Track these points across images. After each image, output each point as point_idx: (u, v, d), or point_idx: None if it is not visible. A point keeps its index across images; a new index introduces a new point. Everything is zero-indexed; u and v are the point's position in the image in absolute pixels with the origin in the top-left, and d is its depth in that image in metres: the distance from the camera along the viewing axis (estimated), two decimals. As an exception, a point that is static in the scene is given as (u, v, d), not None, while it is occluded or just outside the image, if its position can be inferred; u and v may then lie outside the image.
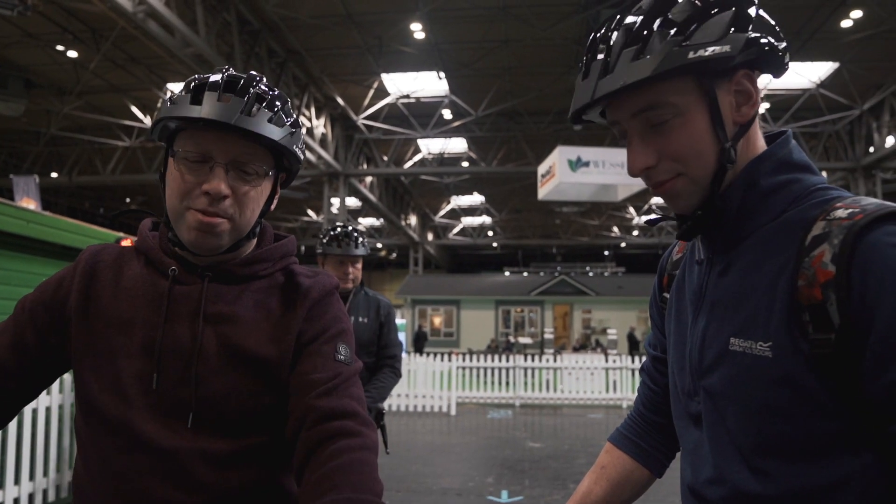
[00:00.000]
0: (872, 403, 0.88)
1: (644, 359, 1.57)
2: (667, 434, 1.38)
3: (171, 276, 1.24)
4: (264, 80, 1.26)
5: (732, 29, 0.96)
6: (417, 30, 15.64)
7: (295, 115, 1.28)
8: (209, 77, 1.21)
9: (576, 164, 18.31)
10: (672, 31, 0.95)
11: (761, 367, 0.95)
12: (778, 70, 1.03)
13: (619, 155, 18.76)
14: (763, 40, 0.98)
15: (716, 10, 0.97)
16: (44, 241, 6.05)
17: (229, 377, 1.20)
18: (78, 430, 1.25)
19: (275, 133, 1.20)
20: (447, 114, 20.96)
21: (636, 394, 1.43)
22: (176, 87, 18.73)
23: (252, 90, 1.20)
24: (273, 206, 1.34)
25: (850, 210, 0.92)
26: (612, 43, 0.99)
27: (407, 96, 19.72)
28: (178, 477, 1.16)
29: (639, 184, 18.90)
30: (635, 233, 39.72)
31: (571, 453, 8.63)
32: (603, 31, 1.03)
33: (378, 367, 3.46)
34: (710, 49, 0.94)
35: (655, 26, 0.96)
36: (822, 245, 0.91)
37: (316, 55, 17.36)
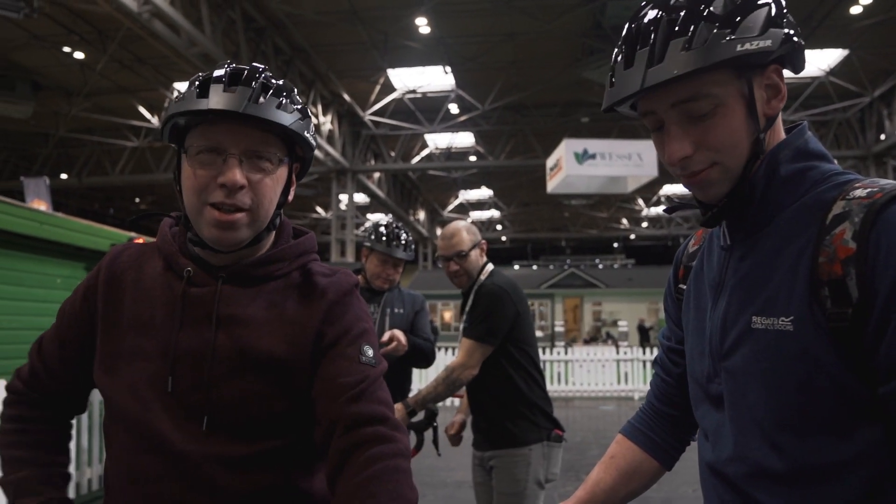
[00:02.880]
0: (875, 369, 0.92)
1: (653, 350, 1.58)
2: (678, 426, 1.40)
3: (185, 277, 1.23)
4: (268, 70, 1.26)
5: (771, 24, 0.99)
6: (423, 24, 15.61)
7: (302, 104, 1.27)
8: (213, 72, 1.21)
9: (582, 157, 18.27)
10: (717, 24, 0.98)
11: (783, 341, 0.98)
12: (799, 67, 1.07)
13: (626, 147, 18.71)
14: (795, 37, 1.02)
15: (755, 6, 1.00)
16: (56, 242, 6.09)
17: (242, 381, 1.19)
18: (105, 429, 1.26)
19: (284, 119, 1.19)
20: (454, 108, 20.93)
21: (648, 385, 1.44)
22: (183, 87, 18.70)
23: (258, 79, 1.20)
24: (290, 198, 1.32)
25: (869, 189, 0.96)
26: (656, 34, 1.00)
27: (413, 91, 19.70)
28: (193, 480, 1.16)
29: (647, 175, 18.87)
30: (644, 224, 39.59)
31: (583, 445, 8.64)
32: (642, 21, 1.04)
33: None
34: (755, 43, 0.97)
35: (701, 19, 0.98)
36: (843, 223, 0.95)
37: (321, 52, 17.36)
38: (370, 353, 1.26)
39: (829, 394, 0.95)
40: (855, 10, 14.83)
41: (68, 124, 21.05)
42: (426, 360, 3.42)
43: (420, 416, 3.01)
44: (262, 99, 1.17)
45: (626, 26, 1.06)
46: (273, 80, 1.23)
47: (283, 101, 1.21)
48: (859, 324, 0.92)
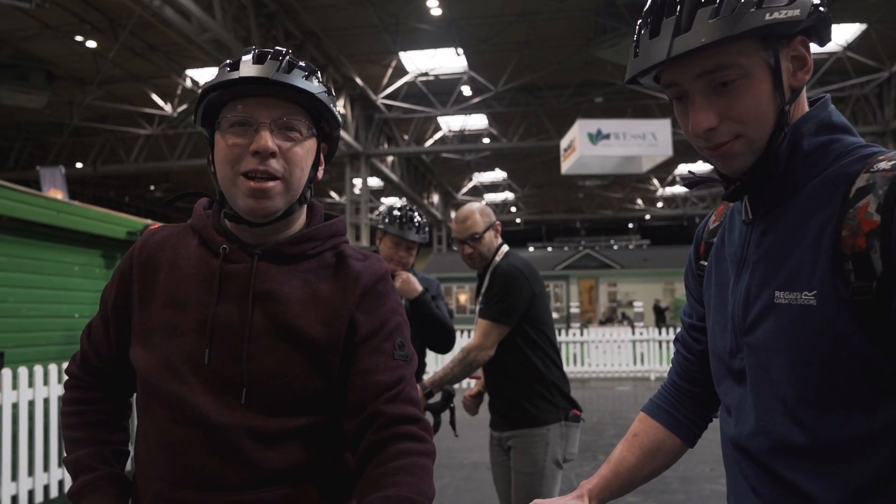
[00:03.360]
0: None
1: (676, 330, 1.58)
2: (700, 404, 1.39)
3: (222, 254, 1.27)
4: (290, 52, 1.31)
5: None
6: (434, 6, 15.51)
7: (325, 84, 1.32)
8: (241, 55, 1.27)
9: (596, 137, 18.16)
10: None
11: (806, 315, 0.98)
12: (826, 39, 1.05)
13: (640, 126, 18.56)
14: (821, 8, 1.00)
15: None
16: (74, 231, 6.15)
17: (279, 356, 1.23)
18: (137, 404, 1.30)
19: (312, 88, 1.25)
20: (466, 90, 20.84)
21: (664, 365, 1.44)
22: (195, 73, 18.97)
23: (285, 56, 1.26)
24: (320, 175, 1.37)
25: (894, 162, 0.95)
26: (683, 3, 0.99)
27: (425, 74, 19.62)
28: (227, 452, 1.18)
29: (662, 154, 18.73)
30: (659, 205, 39.39)
31: (600, 426, 8.65)
32: None
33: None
34: (784, 12, 0.96)
35: None
36: (867, 196, 0.94)
37: (333, 36, 17.32)
38: (403, 346, 1.32)
39: (853, 368, 0.95)
40: (873, -18, 14.58)
41: (82, 113, 21.18)
42: (446, 339, 3.39)
43: (437, 397, 3.02)
44: (289, 71, 1.24)
45: None
46: (298, 60, 1.29)
47: (309, 75, 1.27)
48: (884, 297, 0.91)
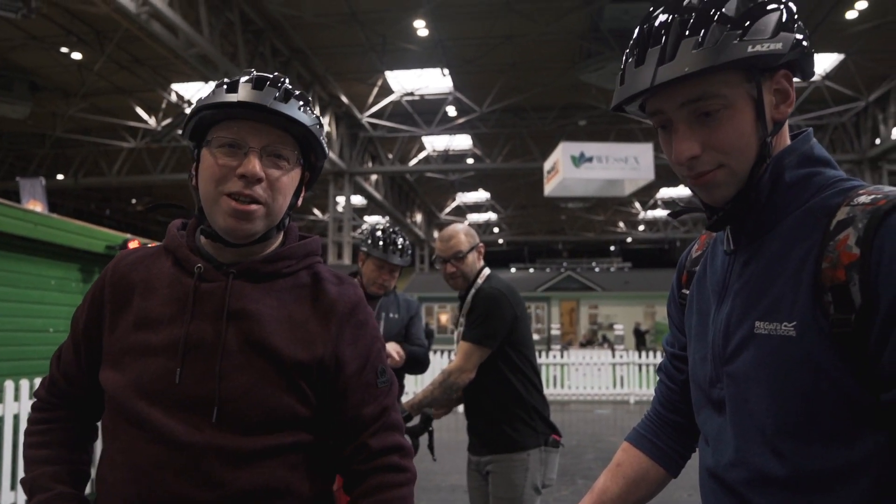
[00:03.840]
0: (878, 378, 0.92)
1: (656, 353, 1.58)
2: (683, 433, 1.39)
3: (196, 273, 1.27)
4: (287, 80, 1.32)
5: (782, 29, 1.00)
6: (421, 27, 15.63)
7: (318, 116, 1.34)
8: (240, 77, 1.28)
9: (579, 160, 18.29)
10: (728, 26, 0.98)
11: (786, 346, 0.98)
12: (809, 73, 1.07)
13: (623, 150, 18.73)
14: (805, 43, 1.02)
15: (766, 10, 1.00)
16: (52, 244, 6.06)
17: (252, 373, 1.23)
18: (104, 426, 1.28)
19: (306, 120, 1.26)
20: (451, 111, 20.95)
21: (644, 388, 1.45)
22: (180, 87, 18.91)
23: (283, 83, 1.28)
24: (300, 203, 1.38)
25: (874, 196, 0.96)
26: (668, 33, 1.01)
27: (411, 94, 19.72)
28: (194, 472, 1.17)
29: (643, 178, 18.89)
30: (641, 228, 39.66)
31: (579, 449, 8.63)
32: (653, 23, 1.04)
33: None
34: (767, 45, 0.98)
35: (713, 20, 0.99)
36: (846, 229, 0.95)
37: (320, 54, 17.37)
38: (383, 371, 1.37)
39: (832, 400, 0.95)
40: (850, 14, 14.89)
41: (65, 125, 21.04)
42: (421, 367, 3.45)
43: (416, 420, 3.00)
44: (286, 100, 1.25)
45: (638, 28, 1.07)
46: (295, 89, 1.30)
47: (304, 105, 1.29)
48: (862, 330, 0.92)
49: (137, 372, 1.22)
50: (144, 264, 1.33)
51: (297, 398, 1.25)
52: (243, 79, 1.26)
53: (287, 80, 1.30)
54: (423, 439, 3.09)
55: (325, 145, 1.34)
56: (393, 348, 3.21)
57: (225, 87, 1.25)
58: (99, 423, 1.39)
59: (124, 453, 1.20)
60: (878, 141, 19.77)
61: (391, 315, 3.46)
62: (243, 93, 1.22)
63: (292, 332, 1.27)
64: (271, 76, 1.28)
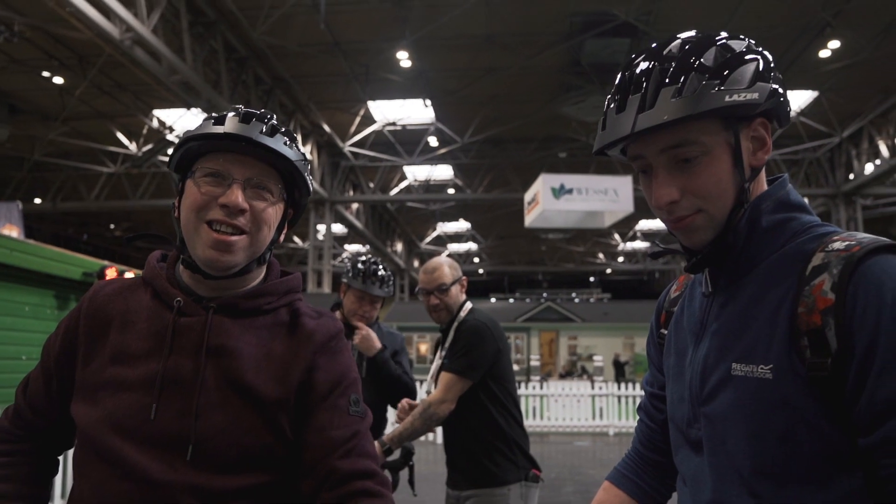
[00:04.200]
0: (855, 422, 0.93)
1: (636, 384, 1.58)
2: (664, 472, 1.40)
3: (176, 307, 1.25)
4: (275, 117, 1.33)
5: (758, 79, 1.03)
6: (404, 58, 15.79)
7: (304, 152, 1.35)
8: (228, 111, 1.29)
9: (559, 192, 18.44)
10: (706, 75, 1.01)
11: (762, 389, 1.00)
12: (784, 122, 1.10)
13: (602, 182, 18.92)
14: (780, 92, 1.05)
15: (744, 60, 1.03)
16: (27, 270, 5.99)
17: (229, 411, 1.20)
18: (75, 461, 1.25)
19: (291, 155, 1.27)
20: (433, 141, 21.09)
21: (623, 420, 1.45)
22: (162, 114, 18.91)
23: (270, 119, 1.29)
24: (282, 238, 1.37)
25: (847, 243, 0.99)
26: (648, 81, 1.04)
27: (393, 124, 19.84)
28: None
29: (623, 210, 19.08)
30: (620, 259, 39.91)
31: (558, 481, 8.57)
32: (634, 70, 1.07)
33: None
34: (744, 95, 1.01)
35: (692, 70, 1.02)
36: (822, 275, 0.97)
37: (303, 82, 17.46)
38: (357, 402, 1.31)
39: (809, 443, 0.96)
40: (824, 53, 15.27)
41: (45, 148, 20.87)
42: (405, 395, 3.38)
43: (396, 454, 2.97)
44: (272, 135, 1.26)
45: (620, 74, 1.10)
46: (282, 126, 1.31)
47: (289, 142, 1.29)
48: (839, 374, 0.94)
49: (112, 407, 1.19)
50: (122, 296, 1.30)
51: (275, 437, 1.23)
52: (231, 113, 1.27)
53: (274, 117, 1.30)
54: (404, 474, 3.04)
55: (309, 182, 1.34)
56: (371, 334, 3.21)
57: (212, 120, 1.26)
58: (61, 457, 1.36)
59: (95, 490, 1.18)
60: (851, 176, 20.16)
61: None
62: (230, 125, 1.23)
63: (270, 370, 1.25)
64: (259, 112, 1.29)
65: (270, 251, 1.35)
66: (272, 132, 1.26)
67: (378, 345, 3.19)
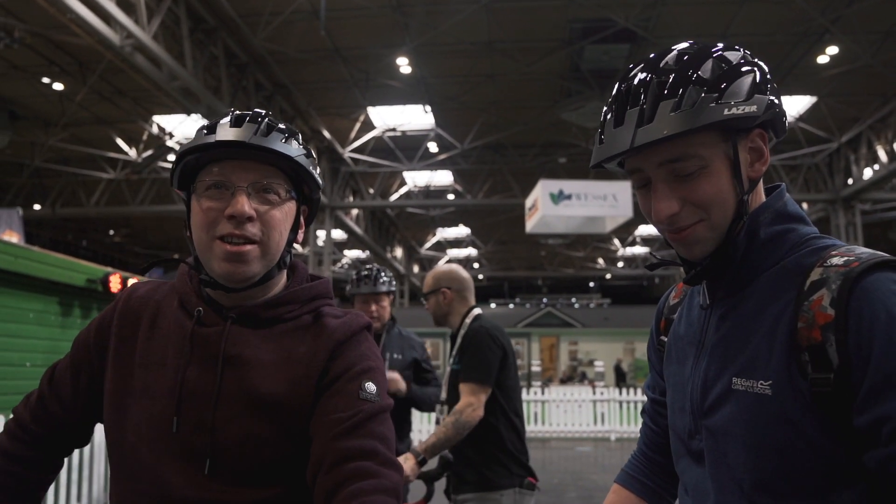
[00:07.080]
0: (859, 437, 0.94)
1: (636, 389, 1.60)
2: (670, 473, 1.40)
3: (196, 316, 1.23)
4: (270, 115, 1.29)
5: (756, 91, 1.03)
6: (404, 64, 15.80)
7: (305, 146, 1.30)
8: (219, 119, 1.25)
9: (558, 198, 18.42)
10: (705, 88, 1.01)
11: (762, 404, 1.00)
12: (781, 132, 1.11)
13: (602, 188, 18.90)
14: (777, 103, 1.06)
15: (741, 73, 1.03)
16: (31, 277, 5.99)
17: (247, 423, 1.18)
18: (111, 467, 1.25)
19: (290, 151, 1.23)
20: (433, 147, 21.09)
21: (625, 425, 1.47)
22: (162, 120, 18.89)
23: (263, 119, 1.24)
24: (300, 238, 1.34)
25: (846, 258, 0.99)
26: (646, 94, 1.03)
27: (393, 129, 19.83)
28: None
29: (622, 215, 19.07)
30: (620, 264, 39.86)
31: (561, 487, 8.56)
32: (632, 82, 1.06)
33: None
34: (742, 108, 1.01)
35: (690, 83, 1.02)
36: (820, 290, 0.97)
37: (303, 88, 17.46)
38: (372, 389, 1.22)
39: (808, 457, 0.97)
40: (822, 59, 15.29)
41: (44, 155, 20.85)
42: (429, 407, 3.60)
43: (431, 463, 2.95)
44: (267, 134, 1.21)
45: (616, 86, 1.09)
46: (277, 122, 1.27)
47: (288, 138, 1.25)
48: (841, 389, 0.94)
49: (138, 416, 1.19)
50: (154, 300, 1.30)
51: (294, 448, 1.19)
52: (223, 120, 1.23)
53: (269, 115, 1.26)
54: (440, 484, 3.02)
55: (316, 176, 1.30)
56: (397, 378, 3.38)
57: (205, 130, 1.22)
58: (59, 460, 1.35)
59: (121, 501, 1.19)
60: (850, 181, 20.16)
61: (394, 356, 3.57)
62: (222, 133, 1.19)
63: (288, 374, 1.22)
64: (251, 112, 1.25)
65: (290, 253, 1.32)
66: (268, 131, 1.21)
67: (403, 386, 3.38)
